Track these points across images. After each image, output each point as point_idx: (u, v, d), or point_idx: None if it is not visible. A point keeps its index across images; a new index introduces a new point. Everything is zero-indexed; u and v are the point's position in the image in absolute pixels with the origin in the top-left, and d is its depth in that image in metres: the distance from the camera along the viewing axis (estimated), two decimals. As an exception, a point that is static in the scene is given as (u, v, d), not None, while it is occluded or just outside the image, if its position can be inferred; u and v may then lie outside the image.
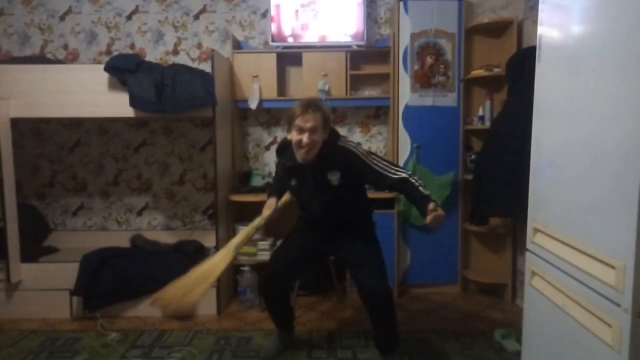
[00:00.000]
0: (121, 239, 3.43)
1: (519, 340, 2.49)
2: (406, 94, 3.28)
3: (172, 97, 2.90)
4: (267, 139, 3.68)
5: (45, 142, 3.67)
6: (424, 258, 3.37)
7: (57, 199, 3.70)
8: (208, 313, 3.03)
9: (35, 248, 3.31)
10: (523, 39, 3.20)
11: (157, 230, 3.68)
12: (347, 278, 3.30)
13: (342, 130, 3.68)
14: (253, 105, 3.38)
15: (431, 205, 1.97)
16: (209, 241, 3.28)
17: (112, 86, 2.94)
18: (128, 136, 3.67)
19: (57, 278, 3.00)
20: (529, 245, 1.80)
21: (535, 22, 2.05)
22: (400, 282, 3.37)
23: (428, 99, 3.27)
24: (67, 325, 2.92)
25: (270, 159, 3.65)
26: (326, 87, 3.41)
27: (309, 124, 2.09)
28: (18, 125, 3.08)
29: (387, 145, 3.63)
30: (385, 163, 2.17)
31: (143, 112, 2.91)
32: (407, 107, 3.28)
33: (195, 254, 3.08)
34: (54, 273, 3.02)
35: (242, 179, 3.49)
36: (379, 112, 3.66)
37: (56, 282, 3.01)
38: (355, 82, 3.53)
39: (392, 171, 2.14)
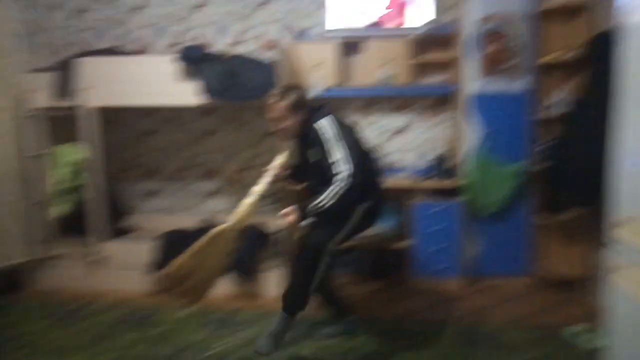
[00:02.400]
0: (192, 221, 3.61)
1: (593, 337, 2.39)
2: (473, 81, 3.19)
3: (236, 86, 3.01)
4: (330, 127, 3.72)
5: (123, 129, 3.91)
6: (493, 249, 3.29)
7: (133, 182, 3.95)
8: (276, 294, 3.13)
9: (116, 228, 3.56)
10: (598, 22, 3.01)
11: (224, 214, 3.84)
12: (410, 266, 3.30)
13: (403, 120, 3.65)
14: (314, 94, 3.42)
15: (288, 209, 2.20)
16: (273, 225, 3.38)
17: (183, 76, 3.08)
18: (197, 124, 3.83)
19: (135, 255, 3.22)
20: (610, 238, 1.73)
21: (610, 4, 1.93)
22: (467, 273, 3.32)
23: (497, 85, 3.17)
24: (146, 299, 3.13)
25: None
26: (389, 75, 3.39)
27: (271, 114, 2.30)
28: (99, 113, 3.30)
29: (453, 134, 3.56)
30: (340, 155, 2.13)
31: (212, 99, 3.03)
32: (474, 94, 3.20)
33: (261, 236, 3.19)
34: (132, 251, 3.24)
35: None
36: (445, 99, 3.59)
37: (135, 259, 3.23)
38: (420, 69, 3.47)
39: (335, 166, 2.13)
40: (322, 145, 2.18)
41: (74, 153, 3.26)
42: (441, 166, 3.41)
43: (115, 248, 3.29)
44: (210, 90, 2.99)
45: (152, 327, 2.74)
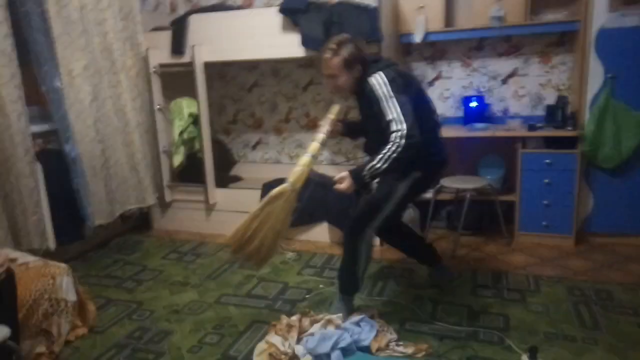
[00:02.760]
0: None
1: None
2: (602, 15, 2.80)
3: (339, 34, 2.95)
4: (432, 74, 3.55)
5: (229, 83, 4.11)
6: (610, 205, 2.99)
7: (239, 134, 4.18)
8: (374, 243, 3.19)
9: (224, 176, 3.83)
10: None
11: (324, 165, 3.92)
12: (516, 221, 3.13)
13: (516, 62, 3.36)
14: (418, 38, 3.26)
15: (343, 173, 2.03)
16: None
17: (285, 28, 3.11)
18: (297, 76, 3.89)
19: (242, 202, 3.45)
20: None
21: None
22: (580, 229, 3.07)
23: (633, 19, 2.75)
24: (252, 243, 3.38)
25: (433, 95, 3.53)
26: (500, 14, 3.10)
27: (325, 71, 2.14)
28: (207, 68, 3.50)
29: (573, 77, 3.21)
30: (394, 114, 1.95)
31: (313, 50, 3.04)
32: (602, 31, 2.81)
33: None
34: (240, 197, 3.48)
35: (406, 116, 3.47)
36: (563, 39, 3.21)
37: (242, 205, 3.46)
38: (535, 5, 3.12)
39: (389, 126, 1.95)
40: (376, 102, 2.02)
41: (189, 106, 3.52)
42: (557, 114, 3.11)
43: (225, 195, 3.56)
44: (311, 40, 2.99)
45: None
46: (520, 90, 3.39)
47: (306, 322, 2.14)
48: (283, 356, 1.96)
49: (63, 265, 2.22)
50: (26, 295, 1.96)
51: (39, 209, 2.68)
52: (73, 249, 3.14)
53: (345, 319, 2.18)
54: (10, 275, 1.67)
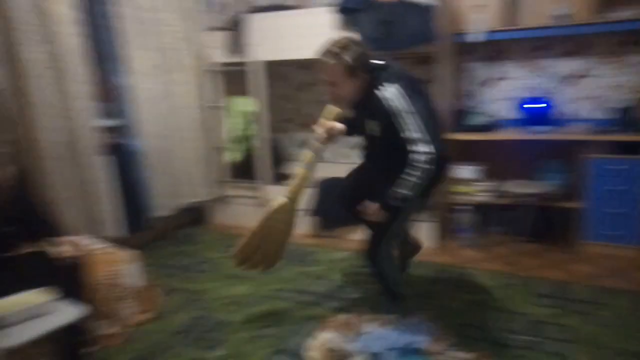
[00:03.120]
0: (346, 171, 3.76)
1: None
2: (681, 12, 2.64)
3: (396, 34, 2.95)
4: (490, 75, 3.46)
5: (284, 83, 4.17)
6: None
7: (292, 132, 4.24)
8: (427, 246, 3.14)
9: (277, 173, 3.89)
10: None
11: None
12: (579, 229, 3.00)
13: (582, 63, 3.21)
14: (477, 37, 3.18)
15: (371, 207, 1.93)
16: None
17: (342, 27, 3.13)
18: (351, 76, 3.89)
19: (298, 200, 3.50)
20: None
21: None
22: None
23: None
24: (307, 239, 3.42)
25: (492, 97, 3.45)
26: (566, 11, 2.98)
27: (324, 77, 1.92)
28: (261, 67, 3.57)
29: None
30: (417, 133, 1.77)
31: (370, 50, 3.03)
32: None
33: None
34: (293, 196, 3.54)
35: (460, 118, 3.40)
36: (634, 38, 3.05)
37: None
38: (603, 2, 2.97)
39: (412, 146, 1.77)
40: (387, 117, 1.81)
41: (245, 105, 3.62)
42: (626, 117, 2.95)
43: (277, 191, 3.60)
44: (369, 39, 2.99)
45: (311, 264, 3.00)
46: (586, 92, 3.24)
47: (361, 320, 2.14)
48: (337, 353, 1.97)
49: (130, 252, 2.34)
50: (99, 278, 2.08)
51: (110, 199, 2.84)
52: (139, 239, 3.29)
53: (398, 320, 2.16)
54: (84, 260, 1.77)
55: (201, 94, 3.58)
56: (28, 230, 1.76)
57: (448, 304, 2.43)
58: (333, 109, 2.16)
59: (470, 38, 3.20)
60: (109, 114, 3.14)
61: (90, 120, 2.67)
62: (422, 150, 1.77)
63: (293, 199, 2.14)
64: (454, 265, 2.89)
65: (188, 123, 3.44)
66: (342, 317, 2.17)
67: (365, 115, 1.92)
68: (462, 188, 3.23)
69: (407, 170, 1.80)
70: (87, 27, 2.67)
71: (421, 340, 2.00)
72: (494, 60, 3.43)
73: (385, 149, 1.93)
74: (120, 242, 2.64)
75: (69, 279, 1.72)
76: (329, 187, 3.37)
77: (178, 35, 3.32)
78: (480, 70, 3.48)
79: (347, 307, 2.40)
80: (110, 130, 3.08)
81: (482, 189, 3.18)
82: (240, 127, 3.63)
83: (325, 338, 2.05)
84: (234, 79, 3.67)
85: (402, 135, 1.79)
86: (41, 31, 2.44)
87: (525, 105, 3.30)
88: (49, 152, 2.47)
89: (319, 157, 2.19)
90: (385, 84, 1.83)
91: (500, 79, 3.43)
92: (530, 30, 3.12)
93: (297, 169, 2.15)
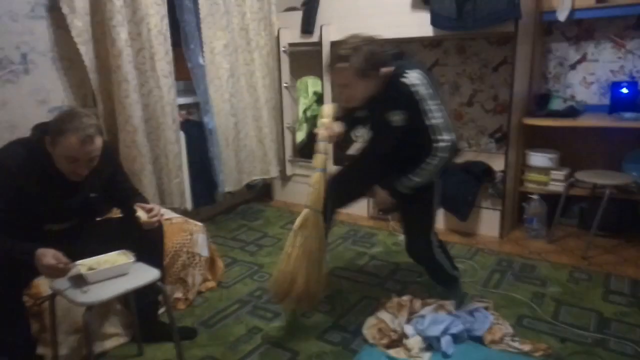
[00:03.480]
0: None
1: None
2: None
3: (473, 12, 2.81)
4: (574, 57, 3.21)
5: (352, 63, 4.15)
6: None
7: (358, 114, 4.23)
8: (490, 234, 3.06)
9: (342, 155, 3.91)
10: None
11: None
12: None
13: (586, 47, 2.99)
14: (562, 16, 2.96)
15: (382, 195, 1.99)
16: (495, 165, 3.21)
17: (414, 6, 3.04)
18: (422, 56, 3.78)
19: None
20: None
21: None
22: None
23: None
24: (365, 221, 3.44)
25: (575, 79, 3.21)
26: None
27: (337, 81, 1.87)
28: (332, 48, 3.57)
29: None
30: (439, 119, 1.78)
31: (443, 30, 2.94)
32: None
33: (482, 175, 3.08)
34: (356, 177, 3.55)
35: (539, 102, 3.21)
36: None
37: (358, 185, 3.53)
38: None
39: (434, 132, 1.79)
40: (415, 103, 1.78)
41: (315, 85, 3.66)
42: None
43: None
44: (442, 19, 2.89)
45: (371, 246, 3.01)
46: (685, 76, 2.94)
47: (417, 303, 2.14)
48: (392, 333, 1.99)
49: (200, 223, 2.49)
50: (169, 246, 2.24)
51: (181, 173, 3.01)
52: (205, 212, 3.49)
53: (456, 306, 2.13)
54: (160, 225, 1.91)
55: (274, 74, 3.66)
56: (113, 197, 1.92)
57: (509, 294, 2.35)
58: (329, 109, 2.11)
59: (556, 16, 2.98)
60: (184, 92, 3.31)
61: (169, 97, 2.84)
62: (446, 138, 1.79)
63: (316, 208, 2.01)
64: (519, 255, 2.78)
65: (260, 102, 3.54)
66: (398, 299, 2.18)
67: (388, 107, 1.87)
68: (534, 176, 3.08)
69: (428, 160, 1.83)
70: (168, 7, 2.81)
71: (478, 329, 1.97)
72: (580, 40, 3.18)
73: (406, 140, 1.92)
74: (187, 214, 2.81)
75: (149, 243, 1.85)
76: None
77: (253, 15, 3.40)
78: (565, 51, 3.24)
79: (403, 290, 2.40)
80: (185, 107, 3.26)
81: (556, 178, 3.00)
82: (309, 107, 3.68)
83: (380, 318, 2.08)
84: (304, 59, 3.72)
85: (427, 122, 1.79)
86: (129, 11, 2.61)
87: (612, 90, 3.05)
88: (131, 125, 2.66)
89: (328, 158, 2.14)
90: (408, 71, 1.81)
91: (586, 61, 3.19)
92: (622, 7, 2.85)
93: (312, 177, 2.02)
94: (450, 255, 2.23)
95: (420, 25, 3.01)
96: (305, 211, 2.02)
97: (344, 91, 1.87)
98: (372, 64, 1.78)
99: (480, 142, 3.65)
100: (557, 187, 2.99)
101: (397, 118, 1.87)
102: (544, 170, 3.03)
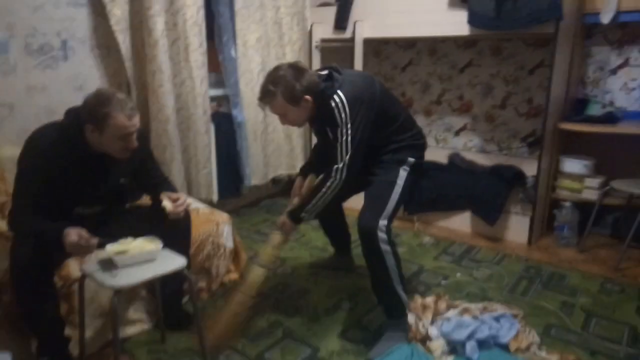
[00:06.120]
0: (438, 155, 3.66)
1: None
2: None
3: (512, 11, 2.74)
4: (615, 61, 3.10)
5: (383, 61, 4.12)
6: None
7: (387, 113, 4.19)
8: (518, 240, 2.99)
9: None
10: None
11: (472, 152, 3.74)
12: None
13: (630, 52, 2.92)
14: (606, 19, 2.86)
15: (282, 218, 2.02)
16: (527, 169, 3.14)
17: (451, 4, 2.99)
18: (455, 56, 3.73)
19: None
20: None
21: None
22: None
23: None
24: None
25: (615, 86, 3.10)
26: None
27: (273, 111, 1.94)
28: (365, 45, 3.53)
29: None
30: (345, 140, 1.84)
31: (480, 29, 2.88)
32: None
33: (513, 179, 3.01)
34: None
35: (576, 107, 3.11)
36: None
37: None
38: None
39: (337, 153, 1.86)
40: (335, 127, 1.86)
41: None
42: None
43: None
44: (480, 18, 2.83)
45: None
46: None
47: (442, 305, 2.10)
48: (416, 334, 1.96)
49: (226, 215, 2.50)
50: (195, 235, 2.25)
51: (209, 164, 3.04)
52: (230, 204, 3.51)
53: (480, 311, 2.08)
54: (187, 214, 1.93)
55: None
56: (143, 184, 1.95)
57: (536, 302, 2.29)
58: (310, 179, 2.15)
59: (600, 19, 2.88)
60: (216, 84, 3.34)
61: (201, 88, 2.86)
62: (339, 159, 1.87)
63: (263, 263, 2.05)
64: (548, 263, 2.70)
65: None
66: (422, 300, 2.15)
67: (325, 124, 1.93)
68: (567, 182, 2.98)
69: (325, 183, 1.92)
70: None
71: (504, 336, 1.92)
72: (623, 44, 3.07)
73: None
74: (212, 205, 2.83)
75: (176, 231, 1.87)
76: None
77: (287, 9, 3.40)
78: (605, 55, 3.13)
79: (427, 292, 2.36)
80: (216, 99, 3.28)
81: (590, 186, 2.90)
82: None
83: (409, 322, 2.04)
84: (336, 55, 3.69)
85: (336, 144, 1.87)
86: (167, 1, 2.64)
87: (654, 97, 2.93)
88: (163, 115, 2.70)
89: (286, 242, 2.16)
90: (338, 91, 1.86)
91: (628, 66, 3.07)
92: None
93: (269, 245, 2.07)
94: (402, 271, 1.97)
95: (456, 23, 2.96)
96: (260, 270, 2.04)
97: (283, 119, 1.97)
98: (301, 89, 1.84)
99: (512, 146, 3.57)
100: (590, 195, 2.89)
101: (330, 134, 1.92)
102: (578, 177, 2.94)
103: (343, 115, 1.84)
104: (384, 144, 2.03)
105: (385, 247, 1.87)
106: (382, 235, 1.86)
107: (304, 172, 2.23)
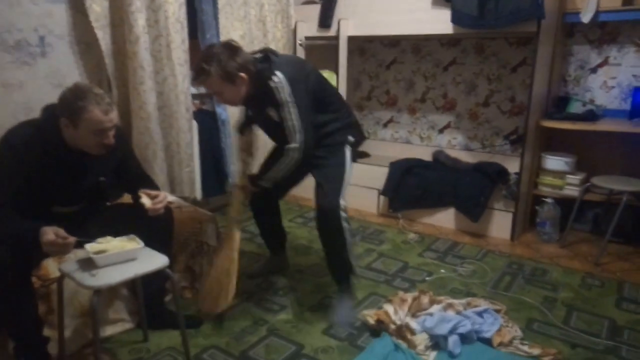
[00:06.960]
0: (422, 153, 3.68)
1: None
2: None
3: (495, 10, 2.76)
4: (596, 60, 3.14)
5: (368, 59, 4.12)
6: None
7: (371, 111, 4.20)
8: (501, 236, 3.02)
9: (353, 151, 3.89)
10: None
11: (456, 149, 3.77)
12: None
13: (609, 51, 2.97)
14: (586, 18, 2.90)
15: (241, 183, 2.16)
16: (510, 166, 3.17)
17: (435, 3, 3.00)
18: (439, 55, 3.75)
19: (369, 178, 3.49)
20: None
21: None
22: None
23: None
24: (374, 218, 3.42)
25: (595, 84, 3.15)
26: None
27: (208, 90, 2.00)
28: (349, 43, 3.54)
29: None
30: (293, 121, 1.92)
31: (463, 27, 2.89)
32: None
33: (496, 176, 3.03)
34: (367, 174, 3.51)
35: (558, 105, 3.16)
36: None
37: (368, 182, 3.51)
38: None
39: (288, 134, 1.94)
40: (279, 107, 1.92)
41: (331, 79, 3.62)
42: None
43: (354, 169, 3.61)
44: (462, 17, 2.84)
45: (380, 243, 2.99)
46: None
47: (425, 299, 2.11)
48: (391, 325, 1.97)
49: (209, 213, 2.48)
50: (178, 234, 2.22)
51: (192, 162, 3.01)
52: (214, 202, 3.48)
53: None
54: (169, 211, 1.90)
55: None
56: (123, 182, 1.91)
57: (519, 296, 2.31)
58: (240, 182, 2.27)
59: (580, 18, 2.91)
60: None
61: (183, 86, 2.83)
62: (293, 137, 1.94)
63: (237, 226, 2.18)
64: (530, 259, 2.74)
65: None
66: (406, 295, 2.16)
67: (265, 105, 1.98)
68: (549, 179, 3.03)
69: (281, 159, 2.00)
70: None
71: (487, 330, 1.94)
72: (603, 43, 3.12)
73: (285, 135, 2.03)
74: (196, 203, 2.80)
75: (158, 230, 1.84)
76: (399, 169, 3.31)
77: (271, 7, 3.38)
78: (586, 54, 3.18)
79: (411, 288, 2.37)
80: (198, 96, 3.25)
81: (572, 182, 2.95)
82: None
83: (384, 309, 2.06)
84: (320, 53, 3.69)
85: (284, 124, 1.93)
86: (147, -1, 2.61)
87: (633, 95, 2.98)
88: (144, 112, 2.66)
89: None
90: (276, 72, 1.89)
91: (608, 64, 3.12)
92: (648, 10, 2.79)
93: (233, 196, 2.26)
94: (351, 245, 2.13)
95: (439, 22, 2.97)
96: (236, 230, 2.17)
97: (219, 97, 2.02)
98: (236, 67, 1.88)
99: (495, 143, 3.60)
100: (572, 191, 2.94)
101: (273, 114, 1.98)
102: (560, 174, 2.98)
103: (283, 94, 1.89)
104: (323, 124, 2.08)
105: (345, 225, 2.03)
106: (343, 213, 2.01)
107: (242, 131, 2.34)
